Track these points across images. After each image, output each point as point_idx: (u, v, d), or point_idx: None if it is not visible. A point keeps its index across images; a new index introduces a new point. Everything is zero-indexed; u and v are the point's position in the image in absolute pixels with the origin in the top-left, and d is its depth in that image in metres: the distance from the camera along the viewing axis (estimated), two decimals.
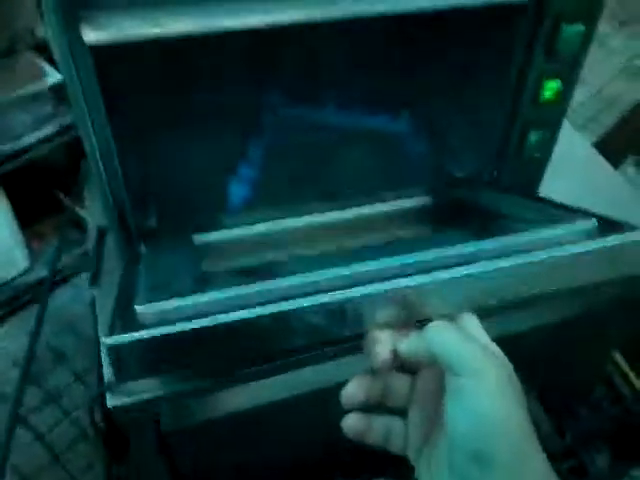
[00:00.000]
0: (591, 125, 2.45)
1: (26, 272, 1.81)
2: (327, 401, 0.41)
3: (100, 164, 0.50)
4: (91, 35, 0.42)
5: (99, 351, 1.30)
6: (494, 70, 0.56)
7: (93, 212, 0.99)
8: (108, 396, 0.76)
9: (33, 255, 1.84)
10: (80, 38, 0.42)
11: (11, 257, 1.75)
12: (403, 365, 0.38)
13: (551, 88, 0.58)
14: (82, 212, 1.61)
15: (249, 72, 0.51)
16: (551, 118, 0.62)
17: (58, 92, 1.51)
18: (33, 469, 1.49)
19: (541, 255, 0.41)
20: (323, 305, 0.37)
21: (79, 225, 1.73)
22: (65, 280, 1.81)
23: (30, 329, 1.76)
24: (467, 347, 0.34)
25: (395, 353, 0.37)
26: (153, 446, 0.67)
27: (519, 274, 0.40)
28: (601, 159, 1.02)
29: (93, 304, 1.52)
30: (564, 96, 0.60)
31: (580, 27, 0.54)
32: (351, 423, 0.37)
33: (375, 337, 0.38)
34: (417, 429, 0.38)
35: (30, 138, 1.50)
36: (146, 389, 0.77)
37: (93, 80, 0.44)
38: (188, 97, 0.51)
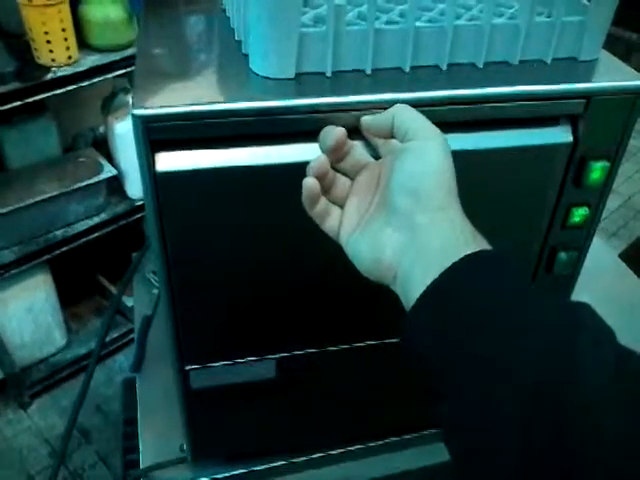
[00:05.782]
0: (621, 232, 2.49)
1: (62, 350, 1.87)
2: None
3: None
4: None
5: (124, 434, 1.32)
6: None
7: (140, 301, 1.05)
8: None
9: (70, 334, 1.90)
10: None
11: (50, 336, 1.81)
12: (345, 171, 0.50)
13: (579, 215, 0.63)
14: (127, 299, 1.68)
15: None
16: (579, 240, 0.66)
17: (111, 185, 1.62)
18: None
19: None
20: None
21: (119, 310, 1.80)
22: (98, 362, 1.85)
23: (62, 407, 1.79)
24: (424, 119, 0.46)
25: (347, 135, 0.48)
26: None
27: None
28: (626, 269, 1.05)
29: (123, 387, 1.55)
30: (591, 221, 0.65)
31: (605, 163, 0.59)
32: (309, 181, 0.47)
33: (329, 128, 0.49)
34: (351, 216, 0.49)
35: (81, 226, 1.60)
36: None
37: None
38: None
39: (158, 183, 0.50)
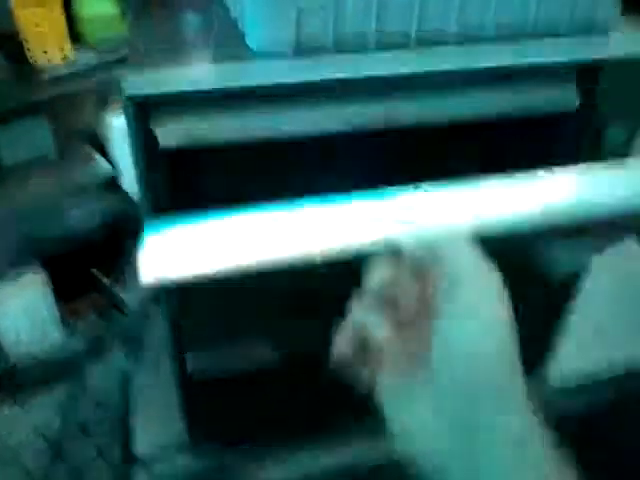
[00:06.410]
0: None
1: (59, 347, 1.85)
2: None
3: None
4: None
5: (122, 427, 1.31)
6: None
7: (134, 294, 1.04)
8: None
9: (67, 331, 1.89)
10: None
11: (46, 333, 1.80)
12: None
13: None
14: (122, 293, 1.67)
15: None
16: None
17: (107, 182, 1.61)
18: None
19: None
20: None
21: (115, 305, 1.79)
22: (97, 356, 1.84)
23: (59, 403, 1.78)
24: (482, 262, 0.34)
25: None
26: None
27: None
28: None
29: (121, 380, 1.54)
30: None
31: (622, 133, 0.58)
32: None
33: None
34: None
35: (77, 223, 1.58)
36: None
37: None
38: None
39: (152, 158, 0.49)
